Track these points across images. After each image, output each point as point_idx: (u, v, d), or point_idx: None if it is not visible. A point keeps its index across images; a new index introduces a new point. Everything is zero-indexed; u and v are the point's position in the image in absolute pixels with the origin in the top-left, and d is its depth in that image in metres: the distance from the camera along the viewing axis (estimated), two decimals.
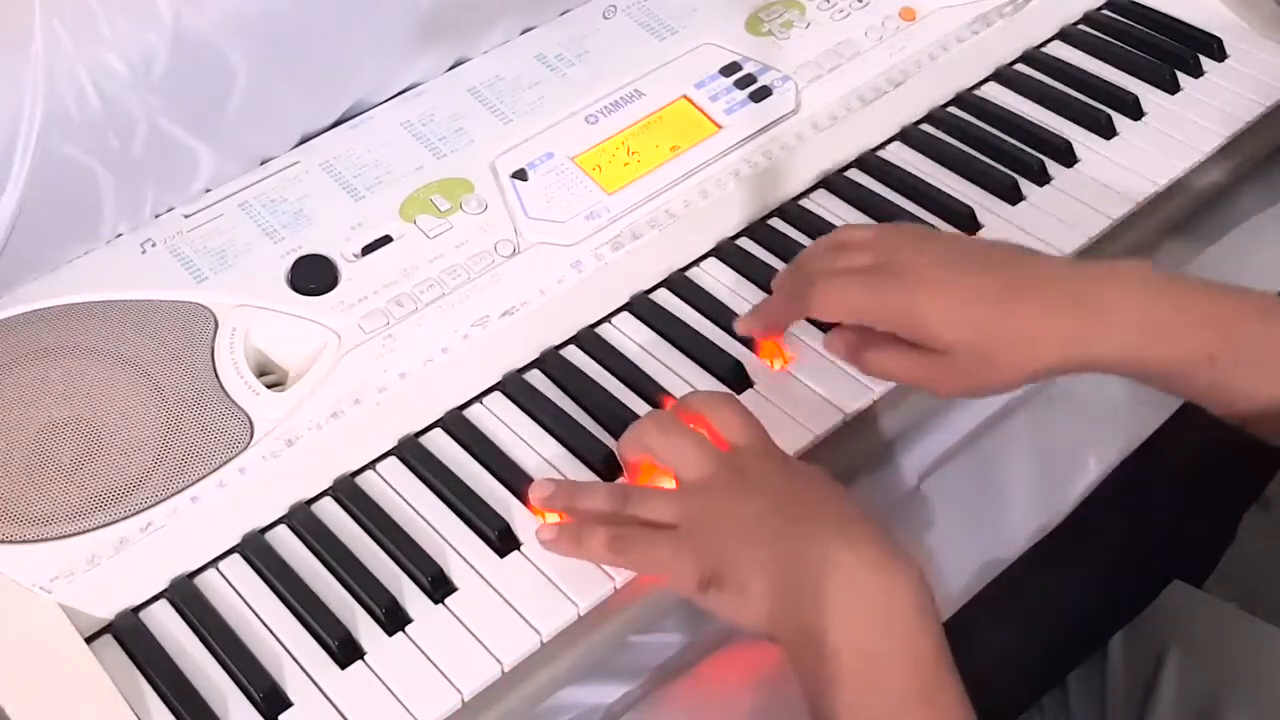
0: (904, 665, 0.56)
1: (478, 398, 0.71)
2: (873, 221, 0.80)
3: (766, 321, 0.72)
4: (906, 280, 0.64)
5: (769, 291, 0.76)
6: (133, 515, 0.63)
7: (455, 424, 0.70)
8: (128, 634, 0.61)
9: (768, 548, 0.59)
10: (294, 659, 0.61)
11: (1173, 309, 0.63)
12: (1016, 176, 0.82)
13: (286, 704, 0.59)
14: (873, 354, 0.67)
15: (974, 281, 0.64)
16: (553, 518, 0.65)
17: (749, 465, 0.63)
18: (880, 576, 0.57)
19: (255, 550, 0.64)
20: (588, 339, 0.74)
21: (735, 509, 0.61)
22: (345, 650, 0.61)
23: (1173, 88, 0.88)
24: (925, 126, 0.86)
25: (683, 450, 0.63)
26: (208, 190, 0.75)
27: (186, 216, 0.74)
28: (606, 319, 0.75)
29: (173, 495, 0.64)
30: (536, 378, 0.72)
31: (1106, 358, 0.63)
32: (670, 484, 0.64)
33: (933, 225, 0.79)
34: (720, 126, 0.82)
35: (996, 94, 0.89)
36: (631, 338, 0.74)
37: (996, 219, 0.80)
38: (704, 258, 0.78)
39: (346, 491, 0.67)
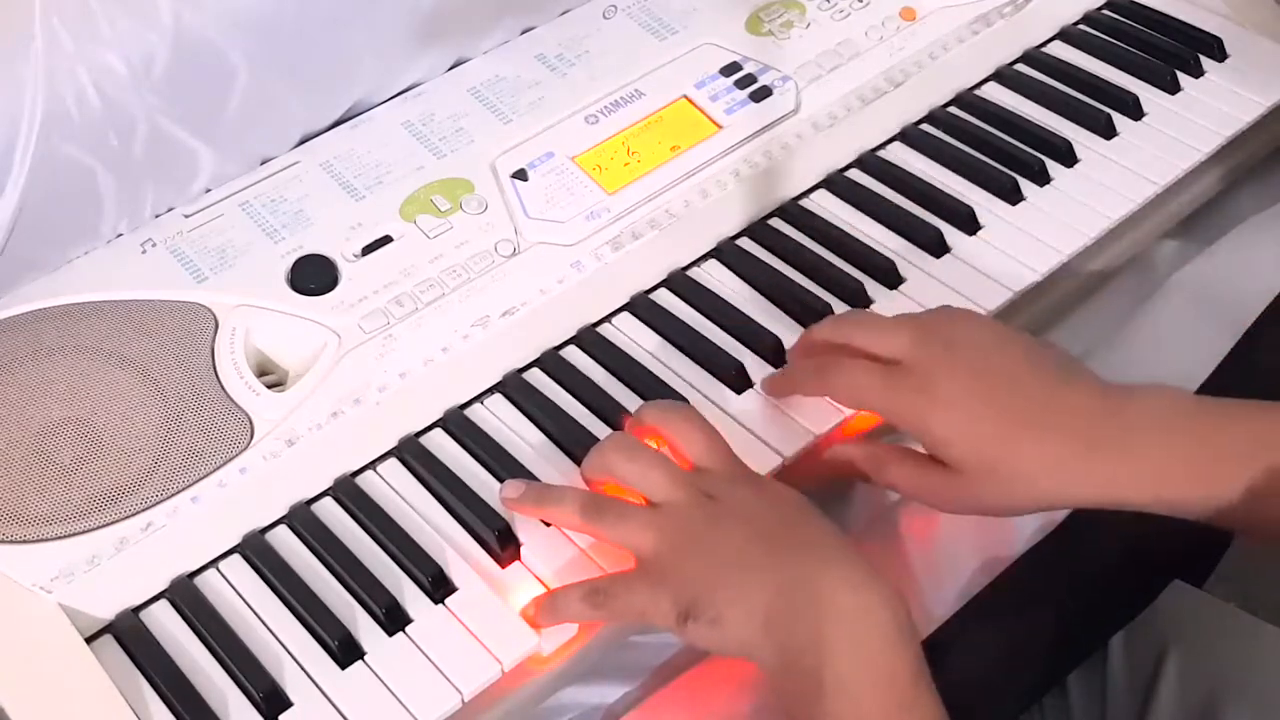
0: (881, 681, 0.56)
1: (478, 398, 0.71)
2: (872, 221, 0.80)
3: (791, 391, 0.71)
4: (925, 389, 0.63)
5: (768, 292, 0.76)
6: (133, 515, 0.63)
7: (455, 424, 0.70)
8: (128, 634, 0.61)
9: (743, 575, 0.58)
10: (294, 659, 0.61)
11: (1201, 448, 0.61)
12: (1016, 176, 0.82)
13: (286, 704, 0.59)
14: (887, 469, 0.66)
15: (993, 399, 0.62)
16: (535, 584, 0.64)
17: (719, 489, 0.62)
18: (859, 596, 0.57)
19: (255, 550, 0.64)
20: (588, 339, 0.74)
21: (709, 537, 0.60)
22: (345, 650, 0.61)
23: (1173, 88, 0.88)
24: (925, 126, 0.86)
25: (651, 475, 0.63)
26: (208, 190, 0.75)
27: (186, 216, 0.74)
28: (606, 319, 0.75)
29: (173, 495, 0.64)
30: (537, 378, 0.72)
31: (1133, 499, 0.62)
32: (636, 499, 0.64)
33: (933, 225, 0.79)
34: (720, 126, 0.82)
35: (996, 94, 0.88)
36: (631, 338, 0.74)
37: (996, 219, 0.80)
38: (704, 258, 0.78)
39: (346, 491, 0.67)
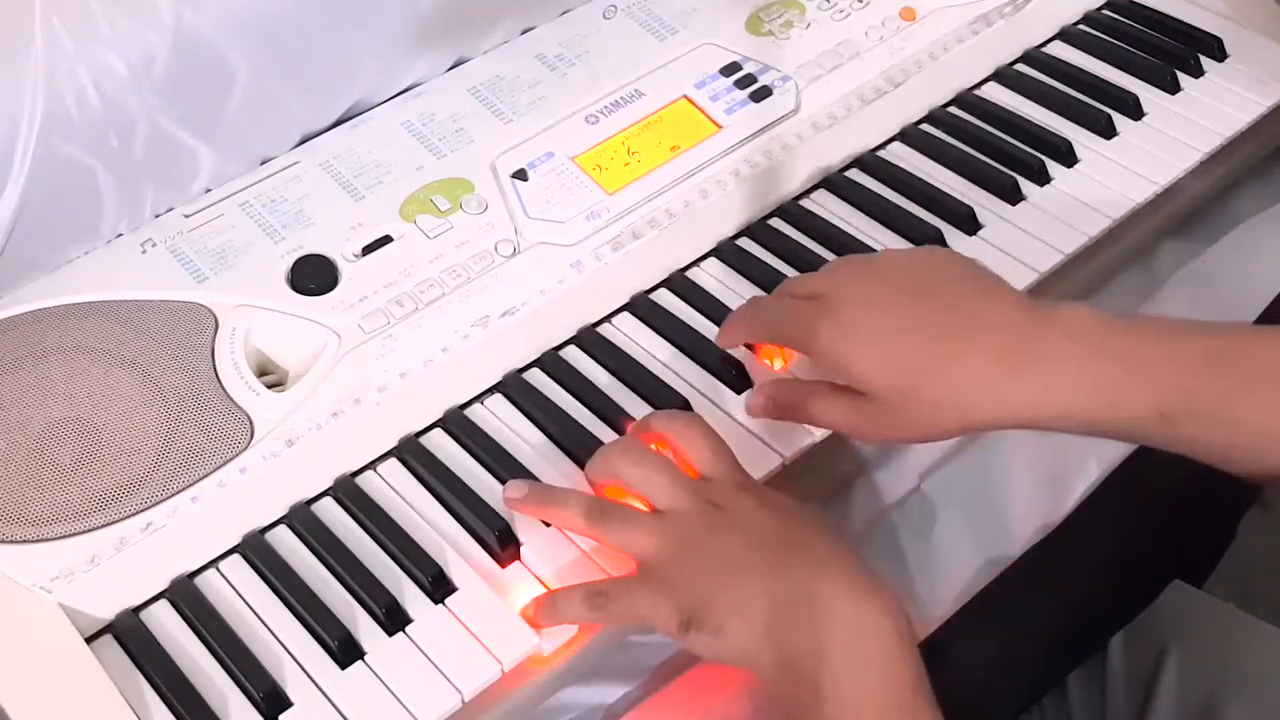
0: (880, 691, 0.56)
1: (478, 398, 0.71)
2: (872, 221, 0.80)
3: (730, 339, 0.71)
4: (838, 318, 0.63)
5: (769, 292, 0.76)
6: (133, 515, 0.63)
7: (456, 424, 0.70)
8: (128, 634, 0.61)
9: (745, 585, 0.58)
10: (294, 659, 0.61)
11: (1117, 364, 0.60)
12: (1016, 176, 0.82)
13: (286, 704, 0.59)
14: (807, 405, 0.65)
15: (908, 323, 0.62)
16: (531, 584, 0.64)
17: (723, 497, 0.62)
18: (858, 606, 0.57)
19: (255, 550, 0.64)
20: (588, 339, 0.74)
21: (711, 546, 0.60)
22: (345, 650, 0.61)
23: (1173, 88, 0.88)
24: (925, 126, 0.86)
25: (656, 481, 0.62)
26: (208, 190, 0.75)
27: (186, 216, 0.74)
28: (606, 319, 0.75)
29: (173, 495, 0.64)
30: (537, 377, 0.72)
31: (1046, 418, 0.61)
32: (639, 503, 0.64)
33: (933, 225, 0.79)
34: (720, 126, 0.82)
35: (996, 94, 0.89)
36: (631, 338, 0.74)
37: (996, 219, 0.80)
38: (704, 258, 0.78)
39: (346, 491, 0.67)
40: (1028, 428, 0.62)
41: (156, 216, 0.74)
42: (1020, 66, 0.90)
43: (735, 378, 0.71)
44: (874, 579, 0.58)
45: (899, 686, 0.56)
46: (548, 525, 0.65)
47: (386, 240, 0.74)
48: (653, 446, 0.66)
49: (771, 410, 0.68)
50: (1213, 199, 0.87)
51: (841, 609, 0.57)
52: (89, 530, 0.62)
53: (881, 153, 0.85)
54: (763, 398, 0.68)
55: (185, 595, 0.63)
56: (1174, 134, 0.85)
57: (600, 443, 0.68)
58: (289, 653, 0.61)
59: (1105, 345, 0.60)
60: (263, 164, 0.77)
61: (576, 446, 0.68)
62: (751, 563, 0.59)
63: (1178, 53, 0.90)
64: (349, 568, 0.63)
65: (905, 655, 0.56)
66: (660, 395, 0.71)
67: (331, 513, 0.66)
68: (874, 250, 0.78)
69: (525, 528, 0.65)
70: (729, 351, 0.72)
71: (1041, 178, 0.82)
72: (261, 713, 0.59)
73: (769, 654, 0.57)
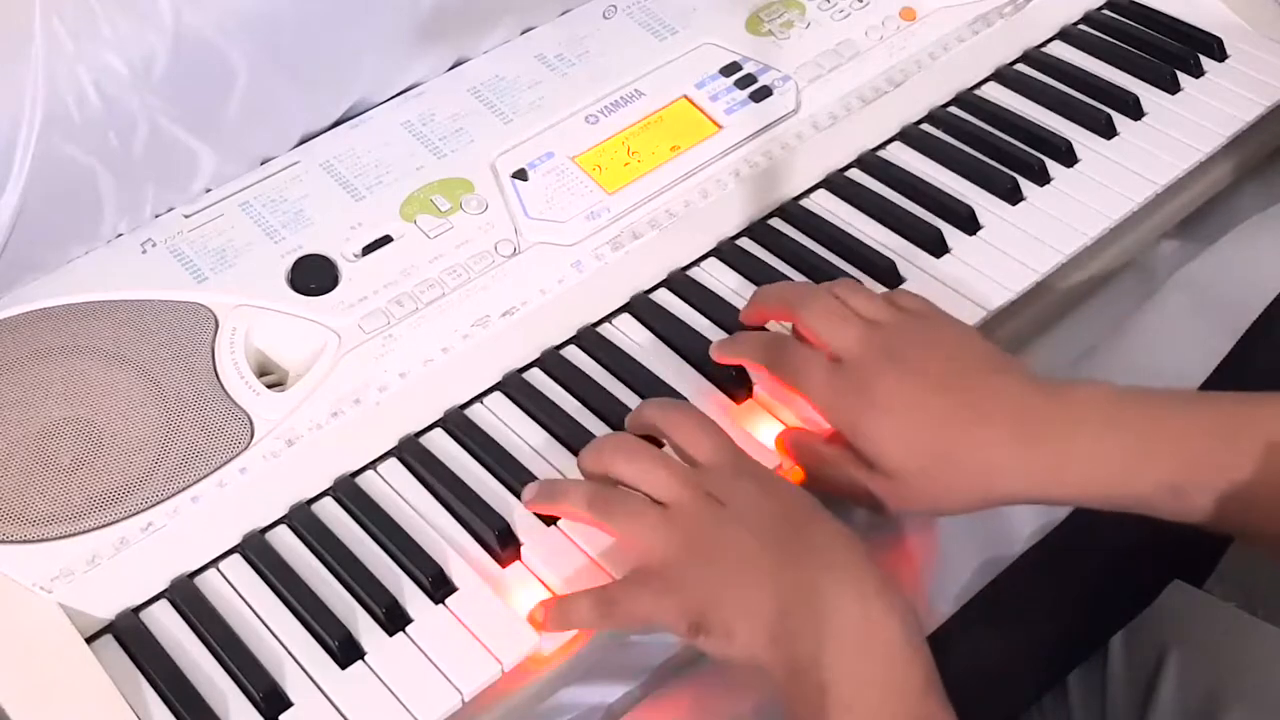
0: (890, 695, 0.56)
1: (478, 397, 0.71)
2: (872, 221, 0.80)
3: (737, 359, 0.71)
4: (867, 393, 0.64)
5: None
6: (133, 515, 0.63)
7: (456, 424, 0.70)
8: (128, 634, 0.61)
9: (751, 586, 0.58)
10: (294, 659, 0.61)
11: (1125, 440, 0.61)
12: (1016, 176, 0.82)
13: (286, 704, 0.59)
14: (823, 470, 0.66)
15: (932, 405, 0.63)
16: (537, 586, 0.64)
17: (723, 488, 0.61)
18: (866, 607, 0.57)
19: (255, 550, 0.64)
20: (588, 339, 0.74)
21: (716, 543, 0.60)
22: (345, 650, 0.61)
23: (1173, 88, 0.88)
24: (925, 126, 0.86)
25: (655, 474, 0.62)
26: (208, 190, 0.75)
27: (187, 216, 0.74)
28: (606, 319, 0.75)
29: (173, 495, 0.64)
30: (537, 377, 0.72)
31: (1065, 496, 0.63)
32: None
33: (933, 225, 0.79)
34: (720, 126, 0.82)
35: (996, 94, 0.89)
36: (631, 338, 0.74)
37: (996, 219, 0.80)
38: (704, 258, 0.78)
39: (346, 491, 0.67)
40: (1046, 503, 0.64)
41: (156, 216, 0.74)
42: (1020, 66, 0.90)
43: (734, 379, 0.71)
44: (880, 575, 0.58)
45: (908, 689, 0.56)
46: (548, 525, 0.65)
47: (386, 240, 0.74)
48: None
49: (792, 458, 0.68)
50: (1213, 199, 0.87)
51: (848, 611, 0.57)
52: (89, 530, 0.62)
53: (882, 153, 0.85)
54: (786, 441, 0.68)
55: (185, 595, 0.63)
56: (1174, 134, 0.85)
57: None
58: (289, 653, 0.61)
59: (1114, 421, 0.62)
60: (263, 164, 0.77)
61: (577, 446, 0.68)
62: (757, 561, 0.59)
63: (1178, 53, 0.90)
64: (349, 568, 0.63)
65: (913, 657, 0.56)
66: (660, 395, 0.71)
67: (331, 513, 0.66)
68: (878, 250, 0.78)
69: (525, 528, 0.65)
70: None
71: (1041, 178, 0.82)
72: (261, 713, 0.59)
73: (777, 657, 0.57)
